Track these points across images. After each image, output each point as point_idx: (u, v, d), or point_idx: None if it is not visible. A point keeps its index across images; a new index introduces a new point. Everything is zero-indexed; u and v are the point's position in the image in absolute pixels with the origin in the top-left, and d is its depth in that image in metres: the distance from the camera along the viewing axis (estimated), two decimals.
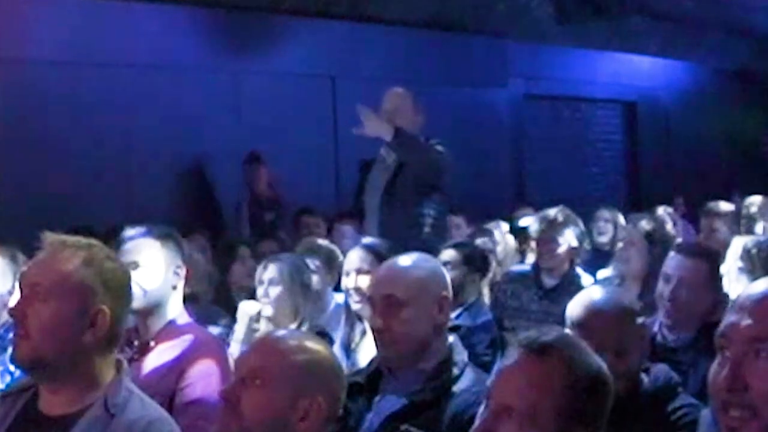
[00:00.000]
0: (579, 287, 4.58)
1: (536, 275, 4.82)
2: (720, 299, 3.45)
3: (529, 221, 5.33)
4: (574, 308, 2.60)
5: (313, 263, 4.45)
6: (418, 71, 8.65)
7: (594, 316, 2.54)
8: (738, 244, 3.87)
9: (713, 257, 3.47)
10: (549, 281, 4.76)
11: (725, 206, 6.30)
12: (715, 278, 3.41)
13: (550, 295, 4.71)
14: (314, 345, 2.16)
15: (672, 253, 3.44)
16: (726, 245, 4.40)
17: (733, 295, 3.72)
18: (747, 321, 1.49)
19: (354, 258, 3.83)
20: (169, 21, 7.62)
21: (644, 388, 2.60)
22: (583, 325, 2.52)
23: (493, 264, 5.38)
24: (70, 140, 6.94)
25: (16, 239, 3.66)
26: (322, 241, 4.88)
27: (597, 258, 5.99)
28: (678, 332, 3.18)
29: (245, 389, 2.05)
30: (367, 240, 4.02)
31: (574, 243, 4.76)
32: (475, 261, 4.67)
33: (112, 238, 3.15)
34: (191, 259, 4.64)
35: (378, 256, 3.64)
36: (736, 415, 1.47)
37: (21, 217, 5.89)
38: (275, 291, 3.87)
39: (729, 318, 1.53)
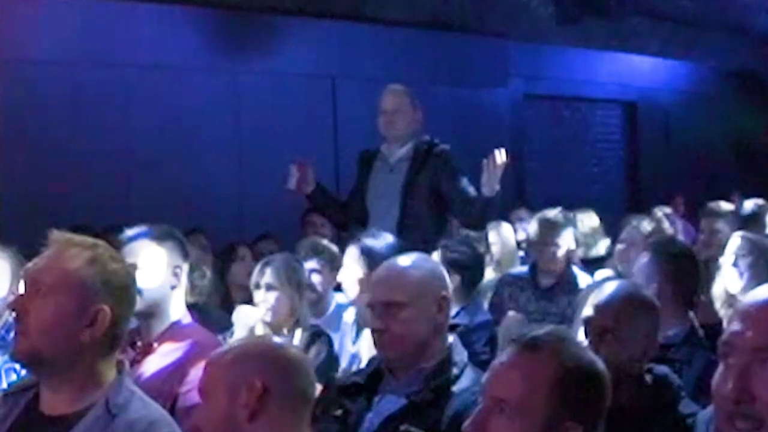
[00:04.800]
0: (576, 287, 4.61)
1: (533, 275, 4.84)
2: (704, 297, 3.45)
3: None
4: None
5: (317, 263, 4.45)
6: (418, 71, 8.64)
7: None
8: (735, 241, 3.87)
9: (659, 251, 3.44)
10: (546, 281, 4.77)
11: (726, 206, 6.27)
12: (669, 272, 3.35)
13: (547, 294, 4.73)
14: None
15: None
16: None
17: (730, 291, 3.72)
18: (752, 330, 1.45)
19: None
20: (169, 21, 7.62)
21: (648, 390, 2.60)
22: None
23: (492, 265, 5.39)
24: (70, 140, 6.94)
25: (16, 239, 3.66)
26: (324, 242, 4.88)
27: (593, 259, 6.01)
28: (665, 329, 3.17)
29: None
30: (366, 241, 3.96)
31: (573, 245, 4.78)
32: (472, 260, 4.65)
33: (110, 237, 3.14)
34: (197, 271, 4.66)
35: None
36: (743, 426, 1.43)
37: (21, 217, 5.89)
38: (273, 296, 3.87)
39: (732, 326, 1.48)
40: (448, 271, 4.42)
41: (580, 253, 5.91)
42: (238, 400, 2.05)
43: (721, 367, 1.49)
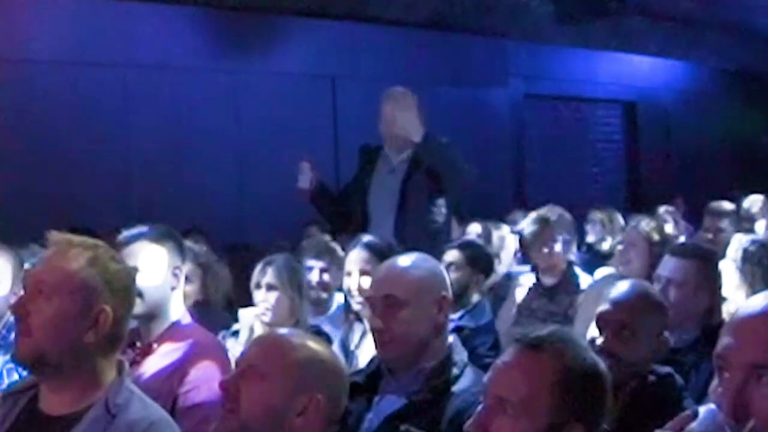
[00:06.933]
0: (577, 287, 4.62)
1: (535, 274, 4.83)
2: (718, 302, 3.44)
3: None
4: None
5: (324, 262, 4.45)
6: (418, 71, 8.65)
7: None
8: (736, 243, 3.86)
9: (705, 258, 3.40)
10: (548, 280, 4.77)
11: (729, 206, 6.27)
12: (710, 279, 3.34)
13: (548, 293, 4.73)
14: (316, 344, 2.15)
15: (666, 255, 3.44)
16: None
17: (728, 294, 3.71)
18: (745, 344, 1.41)
19: (356, 258, 3.76)
20: (169, 21, 7.62)
21: (650, 388, 2.60)
22: None
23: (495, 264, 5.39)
24: (70, 140, 6.94)
25: (15, 239, 3.65)
26: (328, 241, 4.86)
27: (593, 258, 6.01)
28: (678, 333, 3.18)
29: (245, 382, 2.05)
30: (367, 239, 3.90)
31: (567, 237, 4.80)
32: (479, 261, 4.67)
33: (110, 238, 3.13)
34: (211, 268, 4.65)
35: (380, 255, 3.61)
36: None
37: (20, 217, 5.89)
38: (273, 296, 3.86)
39: (725, 339, 1.44)
40: (472, 269, 4.48)
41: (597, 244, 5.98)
42: (296, 400, 2.04)
43: (716, 380, 1.46)
